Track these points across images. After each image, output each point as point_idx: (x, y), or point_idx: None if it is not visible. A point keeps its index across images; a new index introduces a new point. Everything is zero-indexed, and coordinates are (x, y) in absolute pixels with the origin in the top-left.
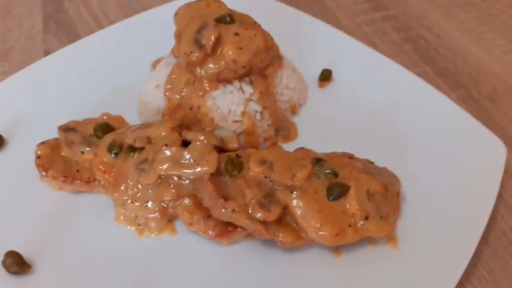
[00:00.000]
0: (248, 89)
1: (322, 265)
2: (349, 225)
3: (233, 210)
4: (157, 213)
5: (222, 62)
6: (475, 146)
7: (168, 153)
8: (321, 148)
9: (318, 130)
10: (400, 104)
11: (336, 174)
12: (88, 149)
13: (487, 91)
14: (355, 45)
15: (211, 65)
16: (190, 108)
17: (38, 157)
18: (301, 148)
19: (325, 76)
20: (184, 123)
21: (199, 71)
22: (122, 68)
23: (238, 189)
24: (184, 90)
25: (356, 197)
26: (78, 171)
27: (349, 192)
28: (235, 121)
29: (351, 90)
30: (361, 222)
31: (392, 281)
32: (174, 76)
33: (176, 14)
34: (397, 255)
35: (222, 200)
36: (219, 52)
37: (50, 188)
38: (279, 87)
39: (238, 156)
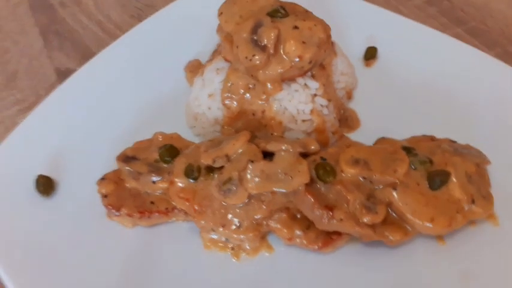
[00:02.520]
0: (313, 84)
1: (430, 255)
2: (457, 212)
3: (341, 219)
4: (251, 233)
5: (287, 60)
6: None
7: (255, 169)
8: (387, 132)
9: (378, 113)
10: (453, 72)
11: (431, 162)
12: (158, 177)
13: None
14: (392, 18)
15: (275, 66)
16: (253, 114)
17: (105, 196)
18: (383, 138)
19: (371, 54)
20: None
21: (261, 73)
22: (151, 79)
23: (338, 195)
24: (244, 96)
25: (458, 183)
26: (152, 203)
27: (450, 178)
28: (304, 120)
29: (399, 65)
30: (468, 207)
31: (501, 257)
32: (231, 83)
33: (221, 13)
34: (500, 231)
35: (327, 211)
36: (281, 51)
37: (122, 227)
38: (335, 75)
39: (323, 159)
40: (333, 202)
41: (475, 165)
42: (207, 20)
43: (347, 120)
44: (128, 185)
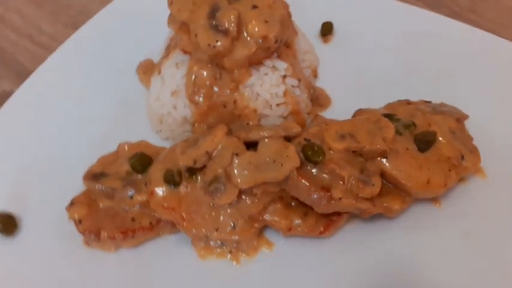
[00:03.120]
0: (281, 64)
1: (429, 221)
2: (449, 170)
3: (339, 198)
4: (247, 232)
5: (252, 42)
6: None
7: (242, 162)
8: (359, 105)
9: (346, 87)
10: (408, 36)
11: (414, 125)
12: (134, 191)
13: (466, 5)
14: None
15: (240, 50)
16: (224, 106)
17: (79, 222)
18: (361, 110)
19: (327, 30)
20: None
21: (227, 60)
22: (101, 88)
23: (331, 174)
24: (212, 88)
25: (445, 140)
26: (133, 219)
27: (437, 137)
28: (279, 104)
29: (356, 37)
30: (459, 163)
31: (491, 208)
32: (195, 76)
33: (171, 2)
34: (489, 182)
35: (324, 192)
36: (244, 33)
37: (103, 253)
38: (299, 54)
39: (307, 140)
40: (328, 182)
41: (455, 121)
42: (149, 16)
43: (318, 99)
44: (101, 204)
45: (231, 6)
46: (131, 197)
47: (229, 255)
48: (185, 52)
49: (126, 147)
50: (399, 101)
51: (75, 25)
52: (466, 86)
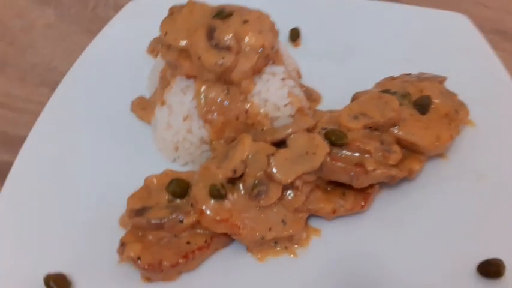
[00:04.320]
0: (278, 69)
1: (442, 177)
2: (450, 124)
3: (373, 170)
4: (298, 225)
5: (253, 53)
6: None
7: (279, 160)
8: (348, 93)
9: (328, 82)
10: (365, 26)
11: (409, 94)
12: (182, 215)
13: None
14: None
15: (244, 62)
16: (237, 119)
17: (138, 259)
18: (357, 93)
19: (295, 35)
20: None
21: (235, 73)
22: (98, 133)
23: (358, 151)
24: (223, 103)
25: (439, 101)
26: (188, 243)
27: (432, 100)
28: (285, 105)
29: (323, 38)
30: (455, 117)
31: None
32: (204, 96)
33: (166, 33)
34: (478, 130)
35: (360, 167)
36: (243, 46)
37: (165, 283)
38: (284, 58)
39: (324, 129)
40: (358, 159)
41: (440, 82)
42: (122, 59)
43: (310, 95)
44: (150, 237)
45: (225, 24)
46: (181, 221)
47: (285, 252)
48: (188, 77)
49: (155, 180)
50: (385, 78)
51: (45, 83)
52: (424, 57)
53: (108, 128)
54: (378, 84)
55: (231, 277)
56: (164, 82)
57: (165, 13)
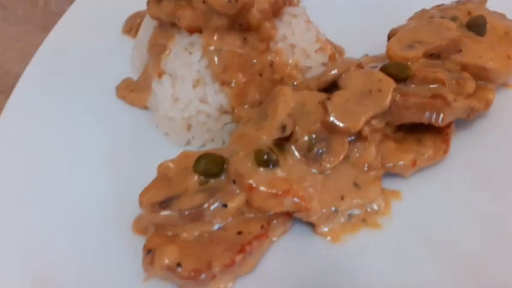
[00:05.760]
0: (297, 9)
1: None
2: None
3: (454, 99)
4: (374, 186)
5: None
6: None
7: (338, 104)
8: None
9: (349, 31)
10: None
11: (457, 17)
12: (222, 198)
13: None
14: None
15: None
16: (260, 75)
17: (178, 265)
18: (393, 28)
19: None
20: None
21: (253, 13)
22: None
23: (428, 82)
24: (241, 56)
25: (493, 19)
26: (240, 232)
27: (488, 20)
28: (316, 51)
29: None
30: None
31: None
32: (216, 50)
33: None
34: None
35: (439, 99)
36: None
37: None
38: None
39: (373, 67)
40: (432, 92)
41: (481, 4)
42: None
43: (334, 47)
44: (185, 234)
45: None
46: (225, 206)
47: (364, 225)
48: (191, 31)
49: (171, 165)
50: (416, 13)
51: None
52: None
53: (93, 123)
54: (411, 20)
55: (304, 273)
56: (157, 50)
57: None
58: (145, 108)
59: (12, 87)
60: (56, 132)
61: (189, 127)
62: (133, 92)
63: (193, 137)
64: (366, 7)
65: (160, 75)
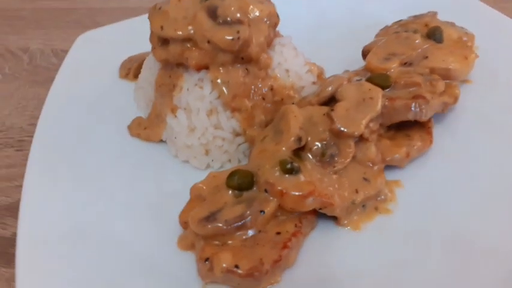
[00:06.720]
0: (284, 39)
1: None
2: (467, 45)
3: (432, 98)
4: (379, 179)
5: (262, 23)
6: None
7: (341, 113)
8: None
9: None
10: None
11: (417, 30)
12: (259, 206)
13: None
14: None
15: (258, 35)
16: (263, 99)
17: (236, 267)
18: (366, 45)
19: None
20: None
21: (252, 47)
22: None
23: (407, 87)
24: (246, 85)
25: (449, 28)
26: (278, 233)
27: (442, 29)
28: (306, 72)
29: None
30: (468, 38)
31: None
32: (223, 82)
33: (162, 28)
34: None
35: (420, 98)
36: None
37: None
38: None
39: (359, 80)
40: (412, 94)
41: (434, 16)
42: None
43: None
44: (231, 242)
45: (224, 1)
46: (263, 212)
47: (378, 213)
48: (199, 69)
49: (203, 186)
50: (381, 29)
51: (8, 143)
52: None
53: (114, 161)
54: (379, 36)
55: (335, 261)
56: (164, 89)
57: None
58: (159, 141)
59: (19, 140)
60: (86, 180)
61: (207, 152)
62: (147, 128)
63: (212, 160)
64: (337, 31)
65: (173, 110)
